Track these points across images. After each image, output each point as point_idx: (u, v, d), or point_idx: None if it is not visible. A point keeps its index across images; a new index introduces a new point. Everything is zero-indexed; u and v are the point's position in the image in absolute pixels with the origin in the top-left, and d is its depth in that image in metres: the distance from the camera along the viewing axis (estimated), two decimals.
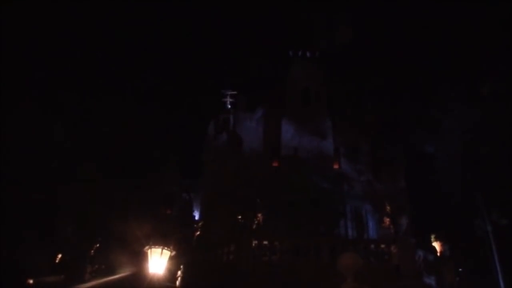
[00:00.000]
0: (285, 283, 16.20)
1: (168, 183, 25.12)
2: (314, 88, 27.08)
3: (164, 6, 38.57)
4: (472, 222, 22.36)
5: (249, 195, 20.93)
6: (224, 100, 26.97)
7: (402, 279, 16.84)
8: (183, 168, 26.56)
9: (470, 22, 24.07)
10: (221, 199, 22.44)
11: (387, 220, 19.53)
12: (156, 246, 11.17)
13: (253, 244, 17.89)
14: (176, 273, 17.38)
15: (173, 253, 11.83)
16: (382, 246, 18.18)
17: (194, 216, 24.14)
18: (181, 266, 18.00)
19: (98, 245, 20.52)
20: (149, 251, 11.19)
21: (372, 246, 18.35)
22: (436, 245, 19.48)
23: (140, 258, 13.00)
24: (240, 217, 19.67)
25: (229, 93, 27.00)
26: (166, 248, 11.23)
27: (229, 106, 26.93)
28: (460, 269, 20.66)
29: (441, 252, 19.31)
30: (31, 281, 18.01)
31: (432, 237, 19.73)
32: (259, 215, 19.39)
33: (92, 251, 20.35)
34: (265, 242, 17.99)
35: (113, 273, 17.68)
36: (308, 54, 28.22)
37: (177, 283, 17.52)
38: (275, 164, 25.55)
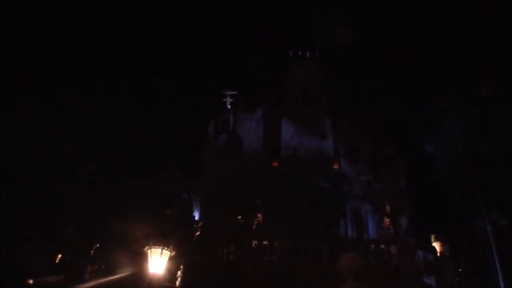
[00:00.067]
0: (285, 283, 16.19)
1: (168, 183, 25.13)
2: (314, 88, 27.07)
3: (164, 7, 38.61)
4: (472, 222, 22.35)
5: (249, 195, 20.94)
6: (224, 100, 26.98)
7: (402, 279, 16.83)
8: (183, 168, 26.60)
9: (470, 22, 24.08)
10: (221, 199, 22.43)
11: (387, 220, 19.53)
12: (156, 246, 11.17)
13: (253, 244, 17.89)
14: (176, 273, 17.37)
15: (173, 253, 11.82)
16: (382, 246, 18.18)
17: (194, 216, 24.14)
18: (181, 266, 17.98)
19: (98, 245, 20.53)
20: (149, 251, 11.18)
21: (372, 246, 18.35)
22: (436, 245, 19.47)
23: (140, 258, 12.99)
24: (240, 217, 19.70)
25: (229, 93, 27.00)
26: (166, 248, 11.22)
27: (229, 106, 26.93)
28: (460, 269, 20.66)
29: (441, 252, 19.30)
30: (31, 281, 18.02)
31: (432, 237, 19.73)
32: (259, 215, 19.40)
33: (92, 251, 20.36)
34: (265, 242, 17.99)
35: (113, 273, 17.68)
36: (308, 54, 28.24)
37: (177, 283, 17.51)
38: (275, 164, 25.55)
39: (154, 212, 21.65)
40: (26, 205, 18.90)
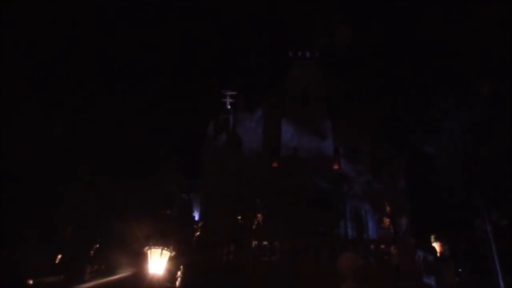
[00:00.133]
0: (285, 283, 16.20)
1: (168, 183, 25.09)
2: (313, 88, 27.04)
3: (164, 7, 38.62)
4: (472, 222, 22.36)
5: (249, 195, 20.93)
6: (224, 100, 26.94)
7: (402, 279, 16.85)
8: (183, 168, 26.58)
9: (470, 22, 24.09)
10: (221, 199, 22.42)
11: (386, 220, 19.51)
12: (156, 247, 11.17)
13: (253, 245, 17.90)
14: (176, 274, 17.36)
15: (173, 253, 11.82)
16: (382, 246, 18.18)
17: (194, 217, 24.10)
18: (181, 267, 17.98)
19: (98, 245, 20.50)
20: (149, 251, 11.19)
21: (372, 246, 18.35)
22: (436, 245, 19.47)
23: (140, 258, 12.98)
24: (240, 217, 19.69)
25: (229, 93, 26.96)
26: (165, 248, 11.22)
27: (229, 107, 26.89)
28: (460, 269, 20.64)
29: (441, 252, 19.30)
30: (31, 282, 17.99)
31: (432, 237, 19.72)
32: (259, 215, 19.39)
33: (92, 251, 20.33)
34: (265, 243, 18.00)
35: (113, 274, 17.65)
36: (307, 54, 28.20)
37: (177, 283, 17.51)
38: (274, 164, 25.52)
39: (154, 213, 21.63)
40: (26, 205, 18.90)
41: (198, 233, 21.47)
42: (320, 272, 16.26)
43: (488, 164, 21.04)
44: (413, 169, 25.13)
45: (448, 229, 20.66)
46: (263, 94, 28.29)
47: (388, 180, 24.34)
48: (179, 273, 17.88)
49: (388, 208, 19.93)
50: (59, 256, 19.96)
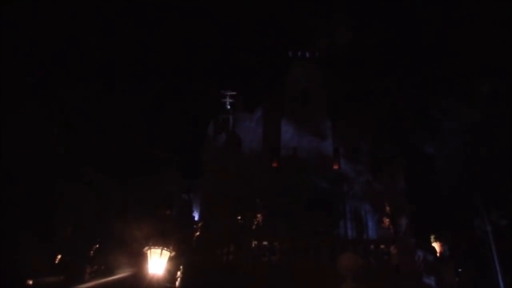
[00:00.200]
0: (284, 283, 16.20)
1: (168, 184, 25.12)
2: (313, 88, 27.04)
3: (164, 7, 38.61)
4: (472, 222, 22.36)
5: (248, 195, 20.92)
6: (223, 100, 26.94)
7: (401, 280, 16.84)
8: (183, 168, 26.59)
9: (470, 22, 24.09)
10: (220, 199, 22.42)
11: (386, 220, 19.50)
12: (156, 247, 11.15)
13: (253, 245, 17.89)
14: (175, 274, 17.36)
15: (173, 253, 11.80)
16: (382, 246, 18.18)
17: (194, 217, 24.12)
18: (181, 267, 17.97)
19: (97, 245, 20.50)
20: (148, 251, 11.17)
21: (372, 246, 18.35)
22: (436, 245, 19.46)
23: (139, 258, 12.97)
24: (239, 217, 19.66)
25: (229, 93, 26.96)
26: (165, 248, 11.20)
27: (229, 107, 26.89)
28: (460, 269, 20.65)
29: (441, 252, 19.29)
30: (30, 282, 17.99)
31: (432, 237, 19.71)
32: (259, 215, 19.37)
33: (92, 251, 20.32)
34: (265, 243, 17.99)
35: (113, 274, 17.63)
36: (307, 54, 28.19)
37: (177, 283, 17.50)
38: (274, 164, 25.52)
39: (153, 213, 21.65)
40: (26, 205, 18.90)
41: (198, 233, 21.44)
42: (320, 272, 16.25)
43: (488, 164, 21.04)
44: (413, 169, 25.17)
45: (448, 229, 20.64)
46: (263, 94, 28.30)
47: (388, 180, 24.36)
48: (179, 273, 17.88)
49: (388, 208, 19.91)
50: (59, 256, 19.96)
